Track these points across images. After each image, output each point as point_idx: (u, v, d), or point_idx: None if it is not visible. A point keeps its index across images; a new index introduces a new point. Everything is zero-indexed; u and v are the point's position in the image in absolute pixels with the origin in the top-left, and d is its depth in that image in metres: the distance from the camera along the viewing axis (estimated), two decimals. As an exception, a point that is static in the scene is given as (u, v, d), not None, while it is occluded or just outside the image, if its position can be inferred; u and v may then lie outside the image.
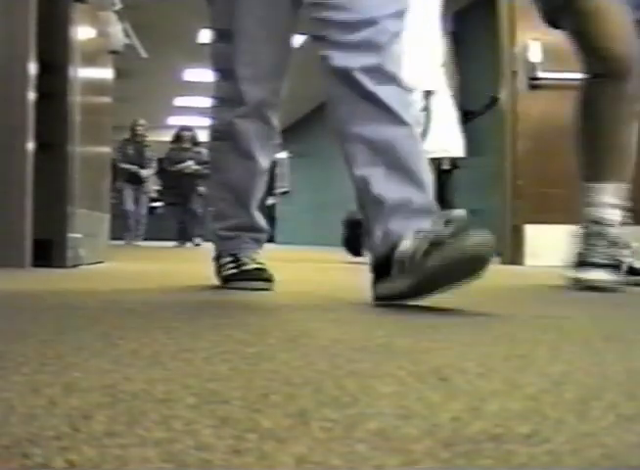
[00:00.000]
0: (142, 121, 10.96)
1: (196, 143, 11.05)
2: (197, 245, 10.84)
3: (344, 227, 5.04)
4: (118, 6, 4.01)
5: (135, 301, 1.80)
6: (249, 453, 0.51)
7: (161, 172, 11.22)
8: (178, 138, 11.18)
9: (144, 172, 10.84)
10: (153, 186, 11.55)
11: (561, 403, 0.69)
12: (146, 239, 11.47)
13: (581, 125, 2.42)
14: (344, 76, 1.77)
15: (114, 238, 5.02)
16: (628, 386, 0.79)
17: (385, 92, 1.73)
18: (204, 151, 10.91)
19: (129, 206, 10.79)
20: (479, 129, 7.13)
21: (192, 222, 11.06)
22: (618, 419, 0.63)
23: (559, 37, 4.42)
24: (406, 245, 1.57)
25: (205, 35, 10.03)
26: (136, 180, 10.82)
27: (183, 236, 11.14)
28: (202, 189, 10.92)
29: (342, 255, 5.23)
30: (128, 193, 10.79)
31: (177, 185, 10.94)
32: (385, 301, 1.66)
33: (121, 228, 10.24)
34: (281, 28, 2.12)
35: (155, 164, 11.15)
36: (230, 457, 0.51)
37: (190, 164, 10.91)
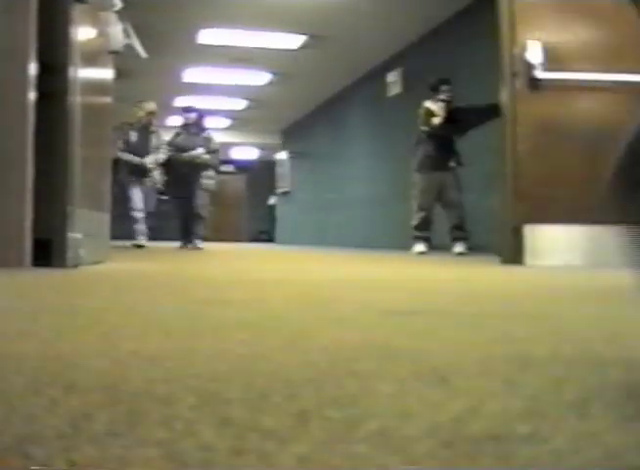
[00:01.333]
0: (150, 104, 9.13)
1: (202, 128, 9.41)
2: (198, 248, 9.24)
3: None
4: (118, 6, 4.01)
5: (134, 300, 1.80)
6: (250, 453, 0.51)
7: (164, 163, 9.37)
8: (185, 124, 9.47)
9: (148, 159, 8.94)
10: (160, 177, 9.47)
11: (561, 403, 0.69)
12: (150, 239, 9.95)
13: None
14: None
15: (114, 238, 4.88)
16: (628, 385, 0.79)
17: None
18: (214, 138, 9.53)
19: (138, 205, 8.93)
20: (479, 130, 7.13)
21: (193, 221, 9.40)
22: (619, 419, 0.63)
23: (559, 37, 4.44)
24: None
25: (205, 35, 10.04)
26: (141, 172, 8.95)
27: (187, 236, 9.48)
28: (208, 182, 9.35)
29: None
30: (135, 189, 8.95)
31: (182, 177, 9.21)
32: None
33: (128, 230, 8.83)
34: None
35: (163, 154, 9.21)
36: (231, 457, 0.51)
37: (201, 153, 9.13)
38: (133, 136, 8.96)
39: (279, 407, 0.66)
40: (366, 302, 1.84)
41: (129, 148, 8.92)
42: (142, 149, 8.95)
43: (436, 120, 7.12)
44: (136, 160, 8.90)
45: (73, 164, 3.21)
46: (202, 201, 9.38)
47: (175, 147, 9.28)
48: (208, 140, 9.35)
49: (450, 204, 7.22)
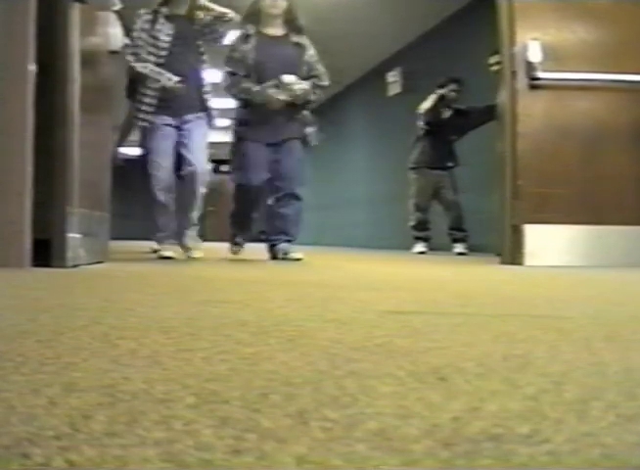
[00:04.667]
0: None
1: (296, 27, 4.88)
2: (290, 258, 4.72)
3: None
4: (118, 6, 4.01)
5: (134, 301, 1.80)
6: (248, 453, 0.51)
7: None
8: (254, 12, 4.84)
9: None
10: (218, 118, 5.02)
11: (560, 403, 0.69)
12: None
13: None
14: None
15: (115, 238, 4.35)
16: (628, 386, 0.79)
17: None
18: (311, 50, 4.91)
19: (163, 176, 4.62)
20: (478, 129, 7.14)
21: (283, 206, 4.92)
22: (618, 419, 0.63)
23: (559, 37, 4.44)
24: None
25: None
26: (180, 104, 4.59)
27: (245, 232, 5.24)
28: (308, 132, 5.02)
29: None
30: (161, 142, 4.63)
31: (259, 124, 4.78)
32: None
33: (151, 225, 4.85)
34: None
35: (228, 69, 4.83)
36: (230, 457, 0.50)
37: (294, 83, 4.67)
38: (167, 28, 4.55)
39: (278, 407, 0.66)
40: (365, 301, 1.84)
41: (154, 50, 4.57)
42: (181, 59, 4.62)
43: (425, 105, 7.17)
44: (165, 77, 4.50)
45: (73, 164, 3.21)
46: (299, 170, 4.98)
47: (243, 65, 4.76)
48: (303, 48, 4.87)
49: (447, 204, 7.23)
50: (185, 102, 4.64)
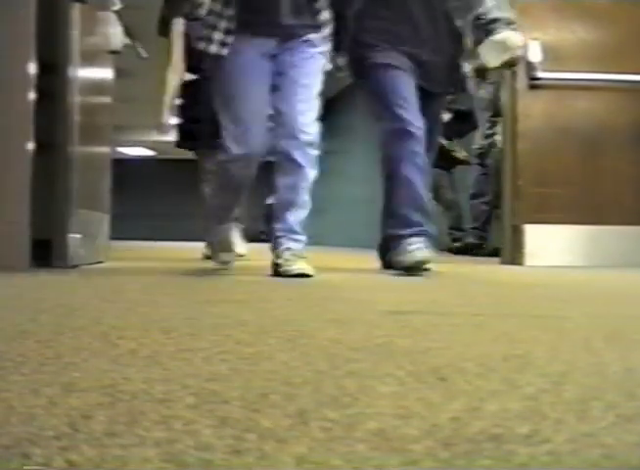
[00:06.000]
0: None
1: None
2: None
3: None
4: (118, 6, 4.01)
5: (134, 301, 1.80)
6: (248, 453, 0.51)
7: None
8: None
9: None
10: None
11: (560, 403, 0.69)
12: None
13: None
14: None
15: (115, 238, 4.26)
16: (628, 386, 0.79)
17: None
18: None
19: (252, 137, 2.82)
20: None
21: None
22: (618, 419, 0.63)
23: (559, 37, 4.44)
24: None
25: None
26: (273, 14, 2.77)
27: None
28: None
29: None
30: (252, 80, 2.79)
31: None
32: None
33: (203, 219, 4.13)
34: None
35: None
36: (230, 457, 0.51)
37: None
38: None
39: (278, 407, 0.66)
40: (365, 301, 1.84)
41: None
42: None
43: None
44: None
45: (73, 165, 3.21)
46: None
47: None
48: None
49: (447, 204, 7.22)
50: (282, 10, 2.78)
